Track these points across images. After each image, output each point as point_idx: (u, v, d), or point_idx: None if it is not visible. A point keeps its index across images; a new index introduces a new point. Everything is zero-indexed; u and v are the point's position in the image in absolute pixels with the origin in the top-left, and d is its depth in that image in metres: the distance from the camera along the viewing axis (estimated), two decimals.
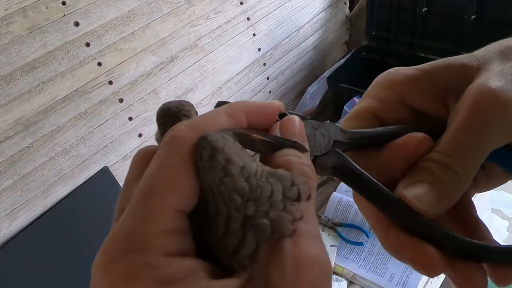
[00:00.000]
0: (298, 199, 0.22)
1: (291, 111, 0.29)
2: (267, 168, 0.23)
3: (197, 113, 0.26)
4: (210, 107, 0.28)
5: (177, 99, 1.13)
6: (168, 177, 0.21)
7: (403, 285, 1.05)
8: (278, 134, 0.26)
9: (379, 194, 0.29)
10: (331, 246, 1.16)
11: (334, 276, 1.09)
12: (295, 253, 0.21)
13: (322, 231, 1.20)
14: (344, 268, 1.10)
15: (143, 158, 0.25)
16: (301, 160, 0.24)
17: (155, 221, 0.20)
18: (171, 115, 0.25)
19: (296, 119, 0.27)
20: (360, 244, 1.15)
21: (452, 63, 0.31)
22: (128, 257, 0.20)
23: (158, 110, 0.26)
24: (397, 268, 1.08)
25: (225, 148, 0.21)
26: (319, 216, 1.22)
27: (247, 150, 0.24)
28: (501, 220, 1.78)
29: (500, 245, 0.28)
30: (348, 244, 1.16)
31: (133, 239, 0.20)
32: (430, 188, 0.27)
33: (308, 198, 0.23)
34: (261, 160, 0.25)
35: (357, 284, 1.09)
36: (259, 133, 0.25)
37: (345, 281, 1.08)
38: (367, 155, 0.31)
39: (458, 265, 0.27)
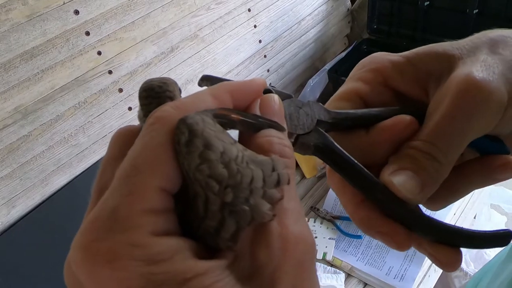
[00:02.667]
0: (278, 184, 0.22)
1: (276, 89, 0.29)
2: (248, 153, 0.22)
3: (180, 91, 0.26)
4: None
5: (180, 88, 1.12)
6: (152, 157, 0.21)
7: (400, 278, 1.05)
8: (257, 112, 0.26)
9: (359, 175, 0.29)
10: (329, 239, 1.16)
11: (332, 269, 1.09)
12: (280, 231, 0.21)
13: (321, 224, 1.20)
14: (342, 261, 1.10)
15: (123, 138, 0.25)
16: (282, 141, 0.24)
17: (139, 200, 0.20)
18: (154, 96, 0.24)
19: (275, 97, 0.27)
20: (359, 237, 1.15)
21: (435, 50, 0.31)
22: (111, 236, 0.19)
23: (141, 88, 0.25)
24: (395, 261, 1.08)
25: (205, 132, 0.21)
26: (318, 209, 1.22)
27: (228, 132, 0.23)
28: (499, 215, 1.78)
29: (475, 230, 0.28)
30: (347, 237, 1.16)
31: (117, 218, 0.19)
32: (414, 176, 0.28)
33: (288, 182, 0.23)
34: (241, 140, 0.25)
35: (355, 277, 1.09)
36: (239, 113, 0.24)
37: (343, 274, 1.08)
38: (353, 136, 0.31)
39: (435, 246, 0.29)
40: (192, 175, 0.20)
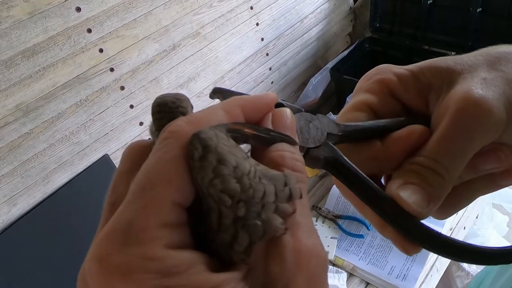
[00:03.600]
0: (290, 199, 0.22)
1: (287, 103, 0.29)
2: (260, 167, 0.22)
3: (192, 107, 0.26)
4: None
5: (178, 88, 1.12)
6: (167, 170, 0.21)
7: (403, 278, 1.04)
8: (270, 125, 0.26)
9: (368, 189, 0.30)
10: (331, 238, 1.15)
11: (334, 268, 1.09)
12: (294, 244, 0.22)
13: (323, 223, 1.20)
14: (344, 260, 1.10)
15: (135, 152, 0.25)
16: (294, 156, 0.25)
17: (154, 214, 0.20)
18: (167, 110, 0.25)
19: (288, 111, 0.27)
20: (361, 236, 1.14)
21: (438, 65, 0.32)
22: (126, 250, 0.19)
23: (154, 103, 0.25)
24: (397, 261, 1.08)
25: (219, 147, 0.21)
26: (320, 208, 1.22)
27: (241, 146, 0.23)
28: (501, 215, 1.78)
29: (483, 246, 0.29)
30: (349, 236, 1.15)
31: (132, 231, 0.20)
32: (420, 190, 0.29)
33: (300, 197, 0.23)
34: (253, 154, 0.26)
35: (357, 277, 1.09)
36: (252, 127, 0.25)
37: (345, 273, 1.08)
38: (366, 146, 0.32)
39: None
40: (206, 190, 0.21)
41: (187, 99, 0.26)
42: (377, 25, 1.60)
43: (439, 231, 0.29)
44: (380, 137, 0.32)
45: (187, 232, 0.21)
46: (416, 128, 0.31)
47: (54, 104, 0.90)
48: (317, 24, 1.58)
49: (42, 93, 0.88)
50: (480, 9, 1.37)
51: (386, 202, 0.29)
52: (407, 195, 0.29)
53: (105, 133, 1.02)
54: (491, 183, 0.33)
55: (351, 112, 0.34)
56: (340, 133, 0.31)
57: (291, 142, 0.26)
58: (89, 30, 0.92)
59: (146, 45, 1.04)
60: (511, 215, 1.80)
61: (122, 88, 1.02)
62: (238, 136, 0.23)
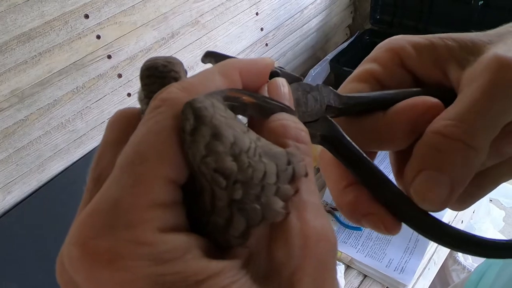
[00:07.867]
0: (292, 179, 0.20)
1: (284, 70, 0.27)
2: (261, 143, 0.20)
3: (186, 73, 0.24)
4: None
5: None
6: (159, 143, 0.19)
7: (401, 270, 1.04)
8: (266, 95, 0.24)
9: (367, 170, 0.27)
10: None
11: None
12: (300, 227, 0.19)
13: None
14: (342, 252, 1.09)
15: (122, 121, 0.23)
16: (298, 126, 0.22)
17: (145, 192, 0.18)
18: (158, 75, 0.22)
19: (283, 81, 0.25)
20: (359, 229, 1.14)
21: (462, 37, 0.29)
22: (113, 233, 0.17)
23: (143, 67, 0.23)
24: (396, 253, 1.07)
25: (214, 119, 0.18)
26: None
27: (240, 117, 0.21)
28: (498, 210, 1.78)
29: (488, 238, 0.27)
30: (347, 229, 1.14)
31: (119, 212, 0.17)
32: (439, 176, 0.24)
33: (306, 175, 0.21)
34: (250, 125, 0.23)
35: (355, 269, 1.08)
36: (251, 95, 0.22)
37: (343, 266, 1.07)
38: (368, 118, 0.29)
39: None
40: (197, 168, 0.18)
41: (180, 63, 0.23)
42: (378, 17, 1.58)
43: None
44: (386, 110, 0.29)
45: (181, 212, 0.19)
46: (425, 99, 0.27)
47: (50, 90, 0.89)
48: (317, 15, 1.56)
49: (38, 79, 0.86)
50: (482, 1, 1.36)
51: (387, 186, 0.26)
52: (420, 189, 0.25)
53: (102, 121, 1.01)
54: None
55: (353, 83, 0.30)
56: (341, 106, 0.28)
57: (291, 112, 0.23)
58: (86, 16, 0.90)
59: (144, 33, 1.02)
60: (508, 209, 1.80)
61: (120, 75, 1.01)
62: (236, 105, 0.21)
